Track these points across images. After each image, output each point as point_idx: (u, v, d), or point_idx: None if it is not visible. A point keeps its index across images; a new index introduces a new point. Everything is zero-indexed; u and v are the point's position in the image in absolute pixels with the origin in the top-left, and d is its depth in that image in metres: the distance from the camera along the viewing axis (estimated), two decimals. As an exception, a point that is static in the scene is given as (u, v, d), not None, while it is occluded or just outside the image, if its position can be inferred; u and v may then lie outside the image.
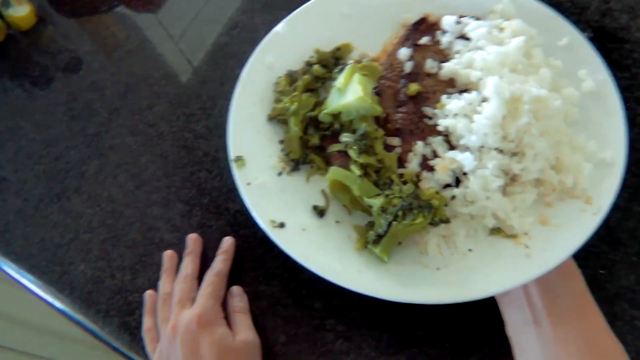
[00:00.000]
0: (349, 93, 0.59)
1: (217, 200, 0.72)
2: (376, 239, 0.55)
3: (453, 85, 0.61)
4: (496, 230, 0.56)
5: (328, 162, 0.63)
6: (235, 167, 0.62)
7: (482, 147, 0.55)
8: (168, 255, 0.69)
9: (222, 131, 0.67)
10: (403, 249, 0.57)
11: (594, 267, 0.59)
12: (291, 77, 0.67)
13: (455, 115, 0.57)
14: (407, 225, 0.53)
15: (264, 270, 0.67)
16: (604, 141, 0.56)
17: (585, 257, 0.59)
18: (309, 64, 0.68)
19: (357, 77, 0.60)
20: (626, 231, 0.60)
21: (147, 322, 0.66)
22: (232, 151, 0.63)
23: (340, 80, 0.61)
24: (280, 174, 0.64)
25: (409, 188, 0.55)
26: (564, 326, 0.50)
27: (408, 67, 0.62)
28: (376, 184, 0.57)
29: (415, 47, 0.64)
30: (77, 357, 0.95)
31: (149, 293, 0.68)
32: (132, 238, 0.72)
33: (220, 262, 0.66)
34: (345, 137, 0.60)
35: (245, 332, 0.61)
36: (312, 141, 0.64)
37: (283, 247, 0.57)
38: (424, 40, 0.64)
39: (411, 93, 0.60)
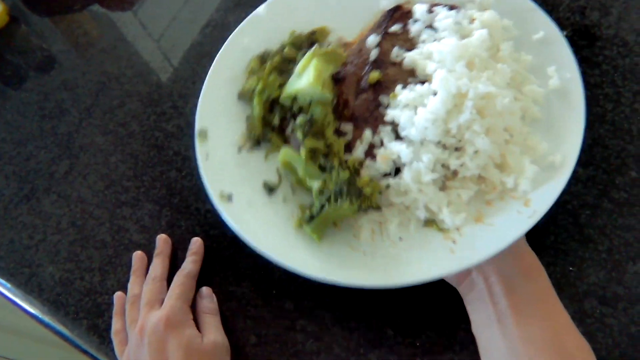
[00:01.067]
0: (304, 78, 0.60)
1: (187, 200, 0.71)
2: (309, 219, 0.57)
3: (414, 76, 0.60)
4: (430, 222, 0.56)
5: (286, 143, 0.64)
6: (197, 140, 0.64)
7: (424, 140, 0.55)
8: (137, 256, 0.68)
9: (193, 130, 0.66)
10: (339, 231, 0.58)
11: (564, 265, 0.59)
12: (263, 58, 0.68)
13: (405, 106, 0.56)
14: (337, 209, 0.55)
15: (234, 271, 0.66)
16: (559, 143, 0.55)
17: (554, 254, 0.59)
18: (284, 46, 0.68)
19: (314, 62, 0.61)
20: (596, 228, 0.60)
21: (115, 324, 0.65)
22: (198, 124, 0.65)
23: (300, 64, 0.62)
24: (240, 150, 0.65)
25: (345, 174, 0.56)
26: (528, 325, 0.50)
27: (373, 54, 0.62)
28: (323, 168, 0.58)
29: (385, 34, 0.63)
30: (46, 359, 0.94)
31: (117, 295, 0.67)
32: (101, 239, 0.71)
33: (190, 264, 0.65)
34: (299, 119, 0.61)
35: (214, 333, 0.60)
36: (274, 121, 0.65)
37: (226, 218, 0.59)
38: (395, 28, 0.64)
39: (371, 81, 0.60)
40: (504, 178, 0.54)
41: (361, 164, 0.58)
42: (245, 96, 0.67)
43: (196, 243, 0.67)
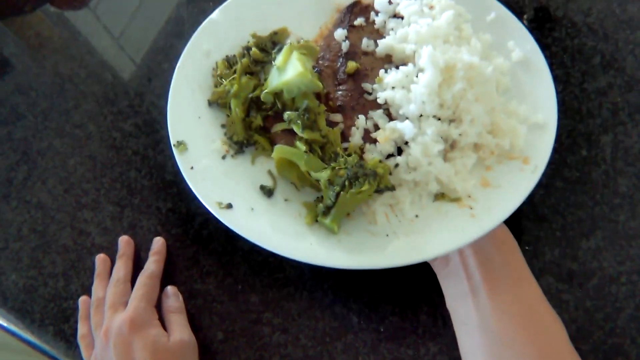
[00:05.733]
0: (289, 70, 0.59)
1: (148, 200, 0.71)
2: (325, 211, 0.56)
3: (390, 61, 0.62)
4: (440, 195, 0.57)
5: (272, 142, 0.63)
6: (176, 152, 0.61)
7: (421, 115, 0.56)
8: (100, 259, 0.68)
9: (150, 128, 0.65)
10: (352, 221, 0.58)
11: (520, 244, 0.60)
12: (229, 62, 0.67)
13: (394, 87, 0.58)
14: (355, 193, 0.54)
15: (198, 268, 0.66)
16: (535, 105, 0.58)
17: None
18: (247, 49, 0.68)
19: (295, 54, 0.60)
20: (549, 207, 0.62)
21: (81, 328, 0.65)
22: (172, 137, 0.62)
23: (279, 59, 0.61)
24: (224, 157, 0.63)
25: (353, 158, 0.56)
26: (501, 297, 0.51)
27: (345, 46, 0.63)
28: (322, 160, 0.58)
29: (351, 27, 0.65)
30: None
31: (82, 299, 0.66)
32: (63, 244, 0.70)
33: (152, 264, 0.65)
34: (288, 114, 0.59)
35: (180, 332, 0.60)
36: (255, 122, 0.63)
37: (233, 228, 0.56)
38: (359, 21, 0.66)
39: (350, 71, 0.61)
40: (499, 142, 0.57)
41: (361, 149, 0.59)
42: (216, 102, 0.66)
43: (158, 243, 0.67)
